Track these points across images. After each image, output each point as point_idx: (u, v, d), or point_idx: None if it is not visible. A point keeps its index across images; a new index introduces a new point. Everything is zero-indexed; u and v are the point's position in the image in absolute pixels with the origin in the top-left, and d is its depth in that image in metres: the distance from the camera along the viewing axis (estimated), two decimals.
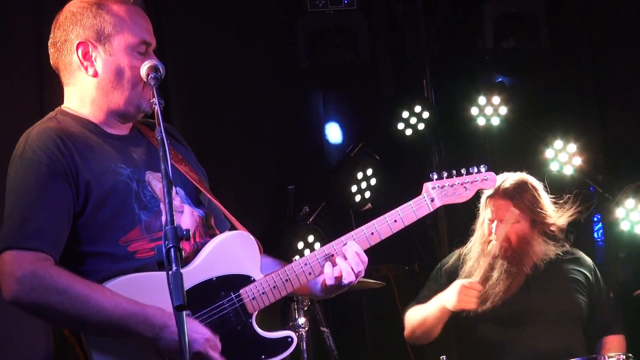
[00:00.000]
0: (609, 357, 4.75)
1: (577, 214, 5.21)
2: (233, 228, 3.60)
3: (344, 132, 7.51)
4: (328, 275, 3.47)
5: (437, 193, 3.66)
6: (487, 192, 5.13)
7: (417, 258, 7.38)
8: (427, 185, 3.68)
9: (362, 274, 3.51)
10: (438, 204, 3.67)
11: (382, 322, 7.24)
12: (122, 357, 3.14)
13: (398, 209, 3.60)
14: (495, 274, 5.09)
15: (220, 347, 3.21)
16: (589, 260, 5.34)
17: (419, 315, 5.20)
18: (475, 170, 3.79)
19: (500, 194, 5.11)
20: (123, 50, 3.30)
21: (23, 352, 4.86)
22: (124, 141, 3.39)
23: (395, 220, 3.57)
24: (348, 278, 3.47)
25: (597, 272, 5.31)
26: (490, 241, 5.12)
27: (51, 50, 3.39)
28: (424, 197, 3.65)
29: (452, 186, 3.70)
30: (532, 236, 5.14)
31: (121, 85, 3.31)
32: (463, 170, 3.76)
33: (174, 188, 3.32)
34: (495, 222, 5.11)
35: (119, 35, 3.30)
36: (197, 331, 3.14)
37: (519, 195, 5.11)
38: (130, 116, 3.40)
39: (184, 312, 2.70)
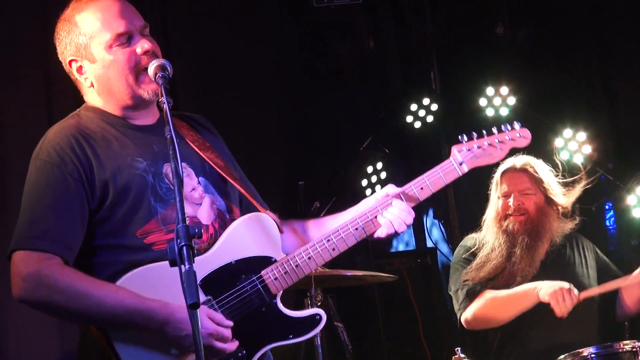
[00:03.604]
0: (624, 345, 4.75)
1: (583, 197, 5.24)
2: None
3: (353, 126, 7.50)
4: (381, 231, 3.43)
5: (464, 156, 3.51)
6: (500, 170, 5.20)
7: (429, 250, 7.38)
8: (455, 149, 3.53)
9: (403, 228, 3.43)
10: (466, 168, 3.51)
11: (396, 315, 7.24)
12: (145, 346, 3.17)
13: (424, 175, 3.47)
14: (517, 250, 5.12)
15: (230, 335, 3.20)
16: (582, 237, 5.40)
17: (497, 299, 5.05)
18: (509, 127, 3.61)
19: (513, 168, 5.22)
20: (103, 51, 3.31)
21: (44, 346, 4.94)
22: (148, 131, 3.40)
23: (422, 188, 3.46)
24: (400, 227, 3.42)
25: (593, 245, 5.39)
26: (507, 216, 5.16)
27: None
28: (452, 160, 3.50)
29: (480, 147, 3.53)
30: (548, 210, 5.19)
31: (115, 84, 3.33)
32: (495, 129, 3.59)
33: (196, 178, 3.38)
34: (513, 194, 5.14)
35: (93, 40, 3.32)
36: (202, 326, 3.08)
37: (532, 169, 5.19)
38: (142, 104, 3.39)
39: (199, 308, 2.70)
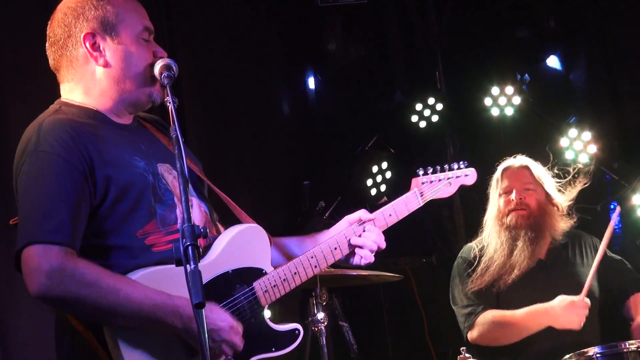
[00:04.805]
0: (629, 344, 4.74)
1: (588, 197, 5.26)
2: (238, 221, 3.57)
3: (358, 126, 7.51)
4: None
5: (426, 188, 3.84)
6: (500, 168, 5.26)
7: (434, 250, 7.38)
8: (415, 182, 3.85)
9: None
10: (427, 198, 3.84)
11: (401, 315, 7.25)
12: (147, 349, 3.13)
13: (392, 203, 3.75)
14: (519, 243, 5.13)
15: (241, 330, 3.23)
16: (589, 237, 5.37)
17: (504, 322, 5.09)
18: (456, 166, 3.93)
19: (514, 165, 5.27)
20: (130, 38, 3.31)
21: (41, 352, 4.91)
22: (130, 131, 3.37)
23: (390, 215, 3.73)
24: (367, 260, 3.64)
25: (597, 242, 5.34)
26: (508, 213, 5.16)
27: (52, 50, 3.36)
28: (414, 192, 3.82)
29: (439, 181, 3.87)
30: (549, 207, 5.20)
31: (133, 73, 3.31)
32: (446, 166, 3.91)
33: None
34: (515, 189, 5.16)
35: (123, 23, 3.31)
36: (222, 319, 3.16)
37: (532, 166, 5.23)
38: (141, 105, 3.38)
39: (204, 307, 2.70)
